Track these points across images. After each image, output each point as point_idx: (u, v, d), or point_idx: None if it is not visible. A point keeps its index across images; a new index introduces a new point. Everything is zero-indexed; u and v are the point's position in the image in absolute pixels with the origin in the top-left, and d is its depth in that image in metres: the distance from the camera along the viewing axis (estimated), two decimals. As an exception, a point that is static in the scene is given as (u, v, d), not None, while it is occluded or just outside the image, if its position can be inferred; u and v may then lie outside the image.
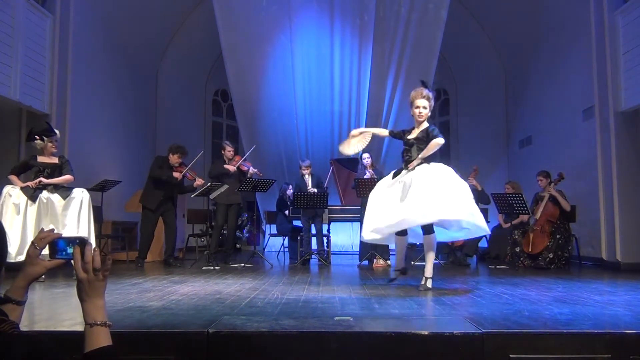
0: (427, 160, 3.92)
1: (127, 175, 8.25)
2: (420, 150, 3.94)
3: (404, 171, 4.00)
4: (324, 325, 2.43)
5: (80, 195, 4.89)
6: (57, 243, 1.33)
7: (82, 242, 1.30)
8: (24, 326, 1.84)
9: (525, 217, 6.81)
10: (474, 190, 6.91)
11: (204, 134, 11.29)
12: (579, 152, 7.26)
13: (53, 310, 3.05)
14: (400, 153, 4.18)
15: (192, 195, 6.64)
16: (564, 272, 5.77)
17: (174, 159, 6.54)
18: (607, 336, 2.22)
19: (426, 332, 2.24)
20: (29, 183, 4.81)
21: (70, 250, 1.31)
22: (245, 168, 6.95)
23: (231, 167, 6.79)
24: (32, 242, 1.37)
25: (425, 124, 4.03)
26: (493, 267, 6.32)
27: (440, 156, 12.01)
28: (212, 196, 6.51)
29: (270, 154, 10.27)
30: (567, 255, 6.34)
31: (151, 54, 10.00)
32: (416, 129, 4.07)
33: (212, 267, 6.05)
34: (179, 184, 6.67)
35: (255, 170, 6.99)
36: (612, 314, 2.84)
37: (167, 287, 4.14)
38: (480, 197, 6.95)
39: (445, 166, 4.00)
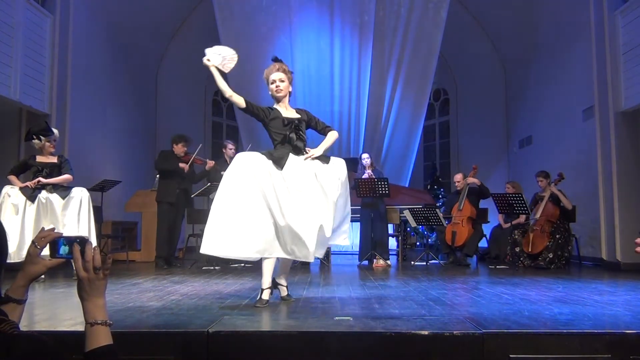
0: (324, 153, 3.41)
1: (127, 175, 8.25)
2: (304, 133, 3.43)
3: (294, 157, 3.29)
4: (324, 325, 2.43)
5: (80, 195, 4.88)
6: (57, 242, 1.33)
7: (82, 241, 1.30)
8: (23, 326, 1.84)
9: (523, 217, 6.81)
10: (474, 187, 6.94)
11: (204, 134, 11.29)
12: (579, 152, 7.26)
13: (53, 310, 3.05)
14: (273, 133, 3.44)
15: (192, 196, 6.63)
16: (564, 272, 5.77)
17: (178, 148, 6.49)
18: (607, 336, 2.22)
19: (426, 332, 2.24)
20: (27, 183, 4.81)
21: (70, 250, 1.31)
22: None
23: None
24: (33, 241, 1.37)
25: (287, 101, 3.53)
26: (493, 267, 6.32)
27: (441, 156, 12.14)
28: (212, 196, 6.50)
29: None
30: (567, 255, 6.33)
31: (151, 55, 10.00)
32: (282, 106, 3.49)
33: (212, 267, 6.05)
34: (190, 173, 6.61)
35: None
36: (612, 314, 2.84)
37: (167, 287, 4.14)
38: (481, 193, 6.95)
39: (341, 164, 3.40)
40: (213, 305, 3.10)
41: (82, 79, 7.30)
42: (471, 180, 6.90)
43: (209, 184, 6.45)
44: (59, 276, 4.93)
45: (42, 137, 4.92)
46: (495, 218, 7.57)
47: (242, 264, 6.52)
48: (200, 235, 9.19)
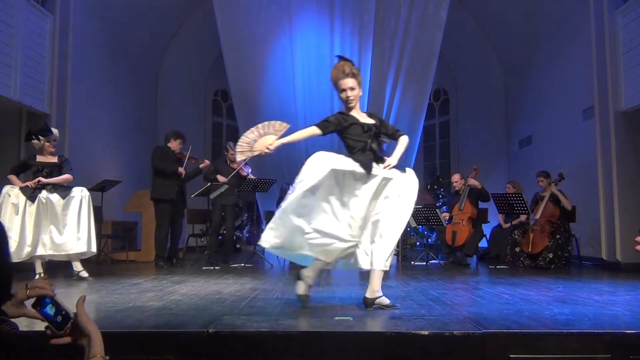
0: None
1: (127, 175, 8.25)
2: (382, 141, 3.27)
3: (375, 165, 3.11)
4: (324, 325, 2.43)
5: (80, 195, 4.88)
6: (46, 300, 1.32)
7: (66, 317, 1.29)
8: (23, 326, 1.84)
9: (523, 217, 6.81)
10: (474, 189, 6.95)
11: (204, 134, 11.29)
12: (579, 152, 7.26)
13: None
14: (352, 140, 3.17)
15: (192, 195, 6.63)
16: (564, 272, 5.77)
17: (175, 144, 6.47)
18: (607, 336, 2.22)
19: (426, 332, 2.24)
20: (28, 183, 4.81)
21: (55, 312, 1.30)
22: (245, 173, 6.92)
23: (222, 178, 6.64)
24: (26, 285, 1.35)
25: (358, 107, 3.27)
26: (493, 267, 6.31)
27: (441, 156, 12.13)
28: (212, 196, 6.50)
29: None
30: (567, 255, 6.34)
31: (151, 54, 10.00)
32: (355, 112, 3.23)
33: (212, 267, 6.05)
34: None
35: (253, 177, 6.99)
36: (612, 314, 2.84)
37: (167, 287, 4.14)
38: (481, 195, 6.96)
39: (415, 178, 3.19)
40: (213, 305, 3.10)
41: (82, 79, 7.30)
42: (472, 182, 6.91)
43: (209, 184, 6.44)
44: (59, 276, 4.93)
45: (41, 137, 4.92)
46: (495, 218, 7.57)
47: (242, 264, 6.53)
48: (200, 236, 9.20)
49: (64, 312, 1.30)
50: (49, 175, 4.89)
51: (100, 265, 6.25)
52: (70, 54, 6.92)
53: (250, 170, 7.03)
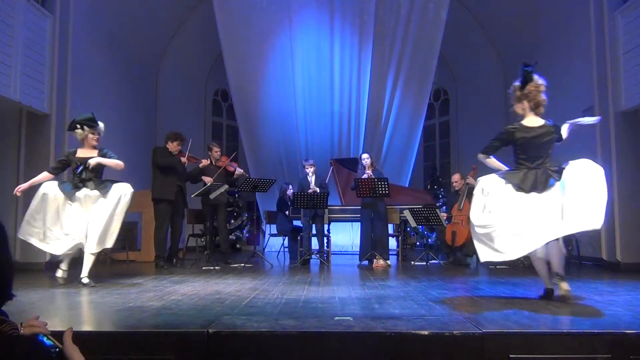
0: None
1: (127, 175, 8.21)
2: None
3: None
4: (324, 325, 2.43)
5: (119, 193, 4.59)
6: (38, 337, 1.33)
7: (58, 355, 1.30)
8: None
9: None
10: (471, 188, 6.94)
11: (204, 134, 11.29)
12: (579, 152, 7.24)
13: (52, 310, 3.05)
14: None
15: (192, 195, 6.63)
16: (564, 272, 5.76)
17: (173, 146, 6.43)
18: (607, 336, 2.22)
19: (426, 332, 2.24)
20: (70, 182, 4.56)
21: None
22: (232, 169, 6.91)
23: (207, 179, 6.61)
24: (21, 324, 1.36)
25: None
26: (493, 267, 6.31)
27: (441, 156, 12.10)
28: (212, 196, 6.50)
29: (270, 154, 10.28)
30: (567, 256, 6.33)
31: (151, 54, 9.99)
32: None
33: (212, 267, 6.05)
34: (183, 171, 6.56)
35: (242, 171, 6.98)
36: (612, 314, 2.84)
37: (167, 287, 4.14)
38: None
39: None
40: (213, 305, 3.10)
41: (82, 79, 7.29)
42: (470, 181, 6.91)
43: (208, 184, 6.44)
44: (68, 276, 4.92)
45: (86, 127, 4.75)
46: (495, 218, 7.55)
47: (242, 264, 6.53)
48: (200, 236, 9.16)
49: (57, 350, 1.30)
50: (88, 171, 4.62)
51: (100, 265, 6.25)
52: (70, 54, 6.92)
53: (237, 167, 7.01)
